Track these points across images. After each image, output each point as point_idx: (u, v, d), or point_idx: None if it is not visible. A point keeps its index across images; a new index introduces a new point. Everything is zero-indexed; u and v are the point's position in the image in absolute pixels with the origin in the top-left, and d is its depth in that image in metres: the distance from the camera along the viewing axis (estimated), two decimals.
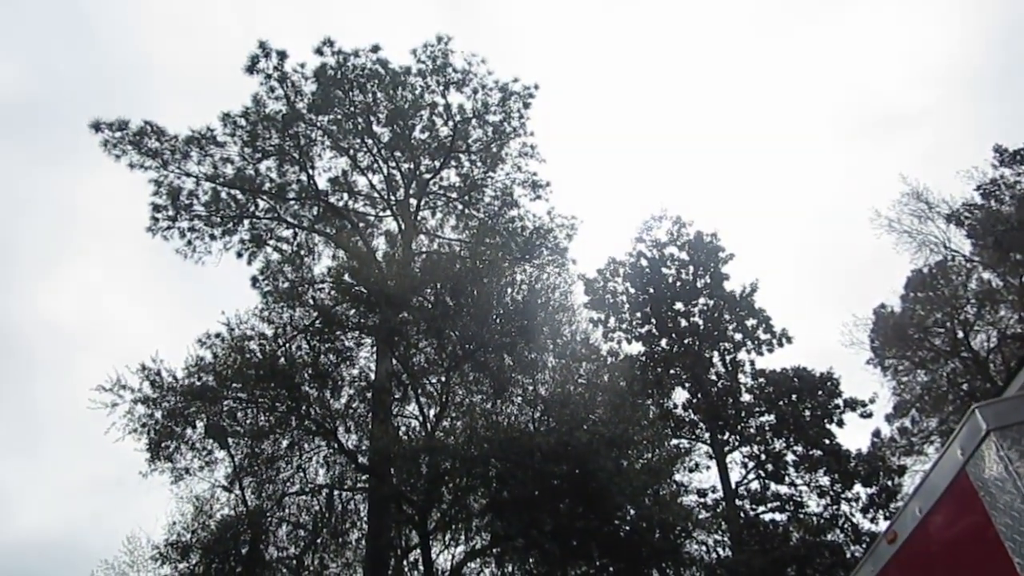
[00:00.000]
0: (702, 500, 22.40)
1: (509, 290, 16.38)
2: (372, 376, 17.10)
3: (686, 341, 25.44)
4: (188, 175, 20.43)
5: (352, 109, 21.34)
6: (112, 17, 64.81)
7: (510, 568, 17.44)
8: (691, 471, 22.44)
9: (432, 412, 16.37)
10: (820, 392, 23.97)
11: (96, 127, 19.49)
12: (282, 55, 20.66)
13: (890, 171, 70.12)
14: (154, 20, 62.81)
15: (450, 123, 21.78)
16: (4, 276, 57.28)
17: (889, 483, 22.68)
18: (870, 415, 24.49)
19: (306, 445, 16.56)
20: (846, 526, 22.03)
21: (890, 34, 68.87)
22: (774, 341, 25.49)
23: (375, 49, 21.30)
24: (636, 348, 25.53)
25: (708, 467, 23.11)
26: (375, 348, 17.39)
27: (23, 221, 59.55)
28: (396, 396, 17.16)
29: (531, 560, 16.89)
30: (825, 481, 22.84)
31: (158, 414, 15.34)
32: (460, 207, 22.81)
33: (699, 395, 24.51)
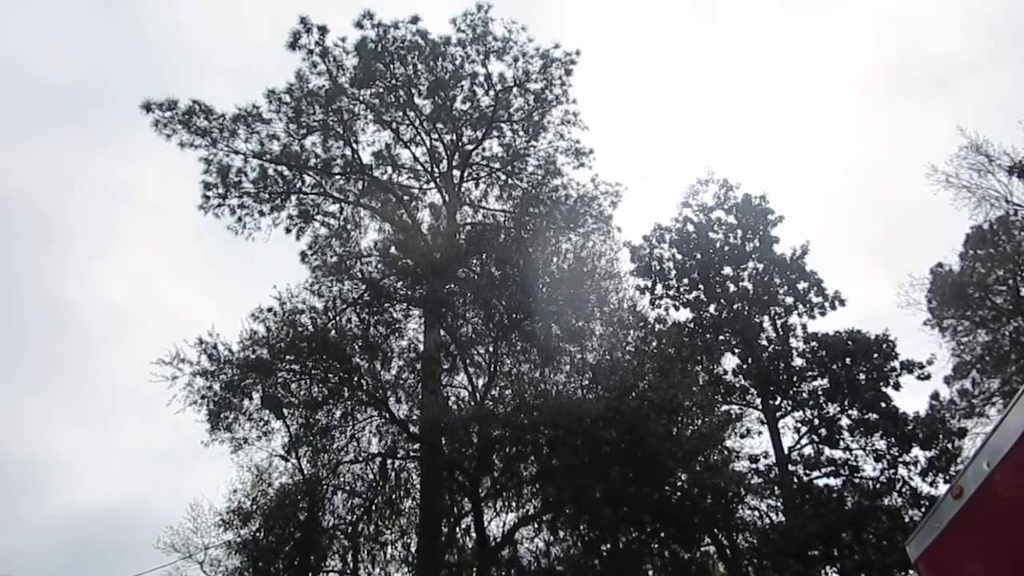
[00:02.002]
0: (754, 466, 22.17)
1: (555, 259, 16.33)
2: (421, 347, 17.31)
3: (735, 306, 25.03)
4: (236, 153, 20.76)
5: (393, 82, 21.33)
6: (152, 2, 65.85)
7: (561, 534, 17.64)
8: (742, 437, 22.26)
9: (481, 382, 16.54)
10: (875, 355, 23.35)
11: (147, 108, 19.88)
12: (323, 30, 20.71)
13: (941, 127, 67.37)
14: (194, 4, 63.61)
15: (491, 92, 21.61)
16: (60, 257, 59.50)
17: (949, 446, 22.07)
18: (928, 377, 23.79)
19: (359, 415, 16.89)
20: (904, 490, 21.56)
21: None
22: (826, 304, 24.90)
23: (414, 20, 21.19)
24: (684, 314, 25.24)
25: (760, 433, 22.87)
26: (423, 319, 17.56)
27: (75, 203, 61.64)
28: (445, 366, 17.36)
29: (582, 526, 17.05)
30: (881, 445, 22.35)
31: (216, 386, 15.81)
32: (503, 177, 22.70)
33: (749, 360, 24.15)
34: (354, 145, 21.35)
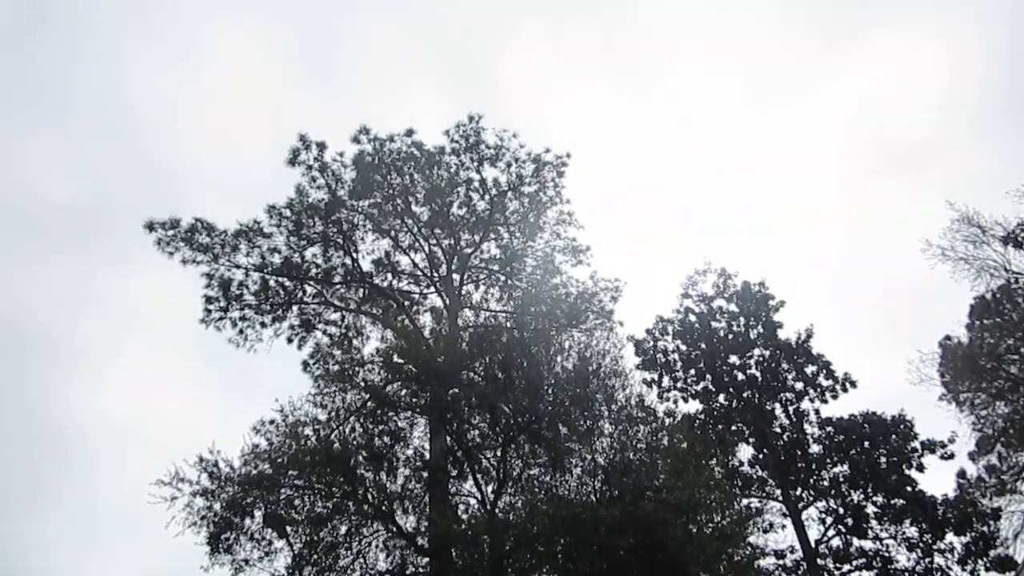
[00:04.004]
0: (780, 562, 21.26)
1: (558, 358, 16.17)
2: (427, 455, 16.90)
3: (745, 395, 24.64)
4: (238, 267, 20.95)
5: (391, 191, 21.81)
6: (153, 127, 68.64)
7: None
8: (765, 532, 21.34)
9: (490, 488, 16.01)
10: (894, 436, 22.81)
11: (150, 227, 20.20)
12: (321, 146, 21.36)
13: (924, 205, 68.67)
14: (192, 127, 66.37)
15: (486, 197, 22.06)
16: (61, 377, 59.29)
17: (985, 529, 21.19)
18: (952, 456, 23.16)
19: (364, 530, 16.28)
20: None
21: (902, 67, 68.83)
22: (837, 387, 24.53)
23: (409, 133, 21.93)
24: (693, 406, 24.84)
25: (783, 526, 22.02)
26: (428, 427, 17.23)
27: (75, 322, 61.91)
28: (452, 474, 16.88)
29: None
30: (913, 532, 21.48)
31: (217, 506, 15.34)
32: (503, 278, 22.84)
33: (765, 450, 23.56)
34: (354, 254, 21.59)
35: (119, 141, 68.70)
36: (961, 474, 26.44)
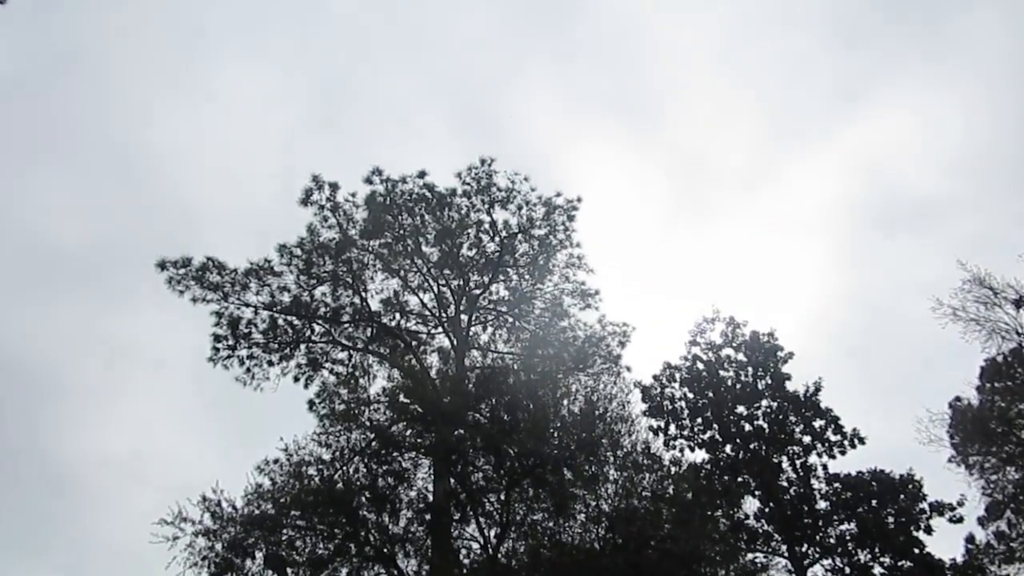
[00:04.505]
0: None
1: (565, 402, 16.15)
2: (430, 497, 16.73)
3: (752, 446, 24.40)
4: (247, 305, 21.03)
5: (401, 232, 22.06)
6: (165, 168, 69.74)
7: None
8: None
9: (493, 533, 15.83)
10: (902, 496, 22.48)
11: (162, 266, 20.36)
12: (334, 186, 21.69)
13: (933, 262, 68.90)
14: (204, 168, 67.52)
15: (496, 239, 22.26)
16: (61, 414, 58.92)
17: None
18: (960, 520, 22.78)
19: (365, 573, 16.04)
20: None
21: (912, 127, 69.88)
22: (845, 442, 24.29)
23: (422, 175, 22.26)
24: (700, 455, 24.61)
25: None
26: (432, 468, 17.10)
27: (78, 361, 61.75)
28: (455, 517, 16.68)
29: None
30: None
31: (218, 546, 15.18)
32: (511, 320, 22.87)
33: (771, 504, 23.20)
34: (363, 293, 21.70)
35: (129, 182, 69.81)
36: (970, 539, 25.96)
